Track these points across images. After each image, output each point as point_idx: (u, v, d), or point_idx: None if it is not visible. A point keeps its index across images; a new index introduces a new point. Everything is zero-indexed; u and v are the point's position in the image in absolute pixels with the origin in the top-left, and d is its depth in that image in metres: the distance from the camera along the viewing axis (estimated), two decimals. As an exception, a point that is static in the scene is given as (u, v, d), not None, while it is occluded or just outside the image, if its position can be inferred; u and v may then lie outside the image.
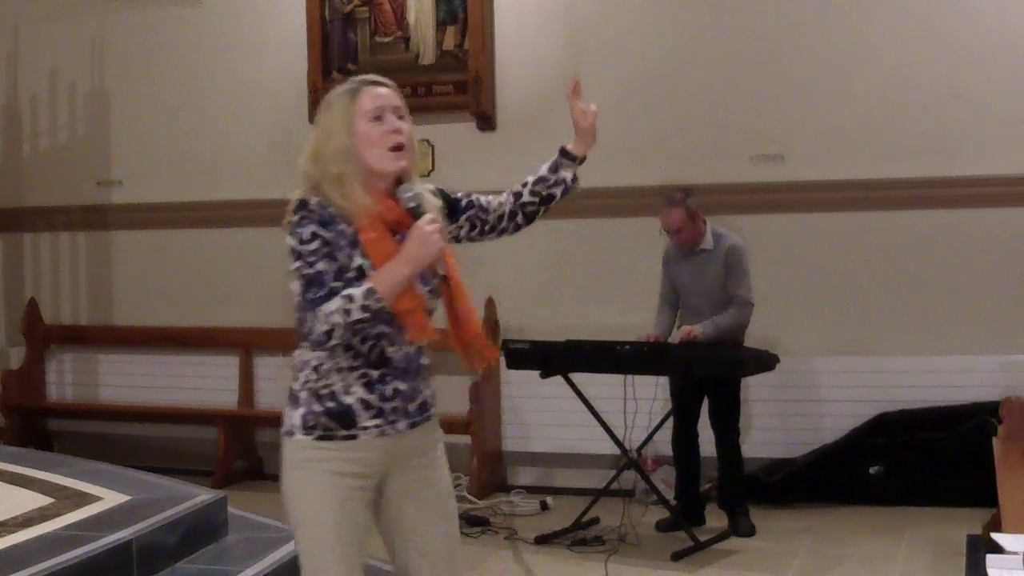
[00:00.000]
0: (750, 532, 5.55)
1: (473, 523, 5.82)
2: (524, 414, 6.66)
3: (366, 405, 2.63)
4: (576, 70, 2.86)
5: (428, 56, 6.81)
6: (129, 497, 4.33)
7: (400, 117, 2.69)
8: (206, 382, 7.25)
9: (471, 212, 2.84)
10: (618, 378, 5.47)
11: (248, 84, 7.18)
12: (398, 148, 2.65)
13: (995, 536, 2.89)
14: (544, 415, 6.52)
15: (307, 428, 2.63)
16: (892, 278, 6.20)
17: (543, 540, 5.52)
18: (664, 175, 6.25)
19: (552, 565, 5.23)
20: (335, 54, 6.89)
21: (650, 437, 5.72)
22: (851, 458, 6.05)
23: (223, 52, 7.27)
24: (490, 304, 6.61)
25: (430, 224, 2.58)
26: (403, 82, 7.40)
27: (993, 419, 5.01)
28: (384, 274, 2.55)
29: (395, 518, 2.74)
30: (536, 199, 2.86)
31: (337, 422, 2.62)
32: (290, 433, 2.65)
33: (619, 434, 5.53)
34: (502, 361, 6.16)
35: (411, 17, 6.83)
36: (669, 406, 5.72)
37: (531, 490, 6.45)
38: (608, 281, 6.52)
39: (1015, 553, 2.70)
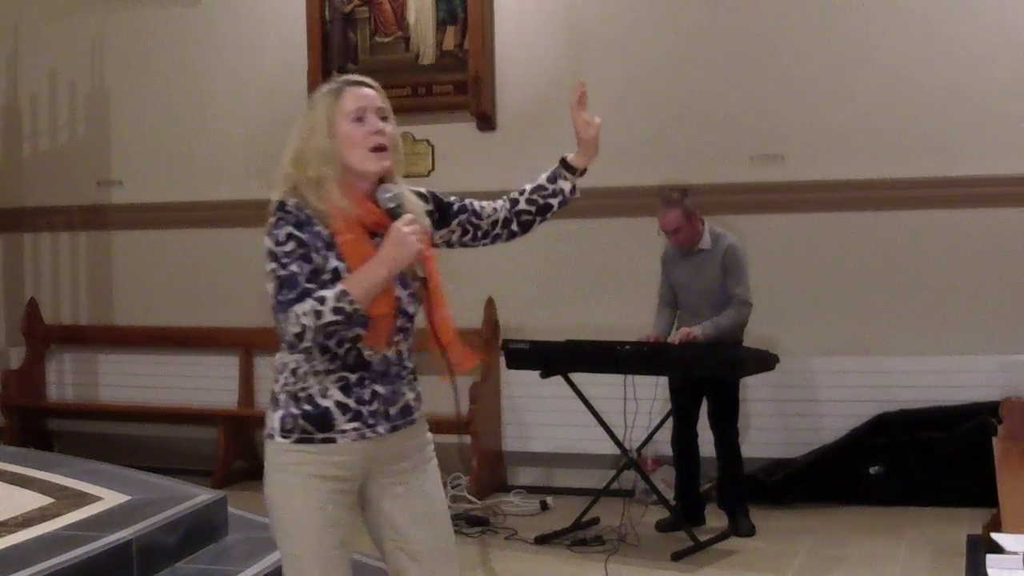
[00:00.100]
0: (750, 532, 5.55)
1: (473, 523, 5.82)
2: (524, 414, 6.66)
3: (343, 408, 2.60)
4: (576, 70, 2.84)
5: (428, 56, 6.81)
6: (129, 497, 4.34)
7: (384, 118, 2.66)
8: (206, 382, 7.25)
9: (463, 217, 2.81)
10: (618, 378, 5.47)
11: (248, 84, 7.18)
12: (380, 149, 2.62)
13: (995, 536, 2.88)
14: (544, 415, 6.52)
15: (285, 431, 2.61)
16: (892, 278, 6.20)
17: (543, 540, 5.52)
18: (664, 175, 6.25)
19: (552, 565, 5.23)
20: (335, 54, 6.90)
21: (650, 437, 5.72)
22: (851, 458, 6.05)
23: (223, 52, 7.27)
24: (490, 304, 6.61)
25: (408, 225, 2.55)
26: (403, 82, 7.50)
27: (993, 419, 5.01)
28: (359, 276, 2.53)
29: (380, 521, 2.72)
30: (533, 208, 2.84)
31: (314, 425, 2.60)
32: (270, 436, 2.64)
33: (619, 434, 5.53)
34: (502, 361, 6.17)
35: (411, 17, 6.83)
36: (669, 406, 5.72)
37: (531, 490, 6.45)
38: (608, 281, 6.52)
39: (1015, 553, 2.70)
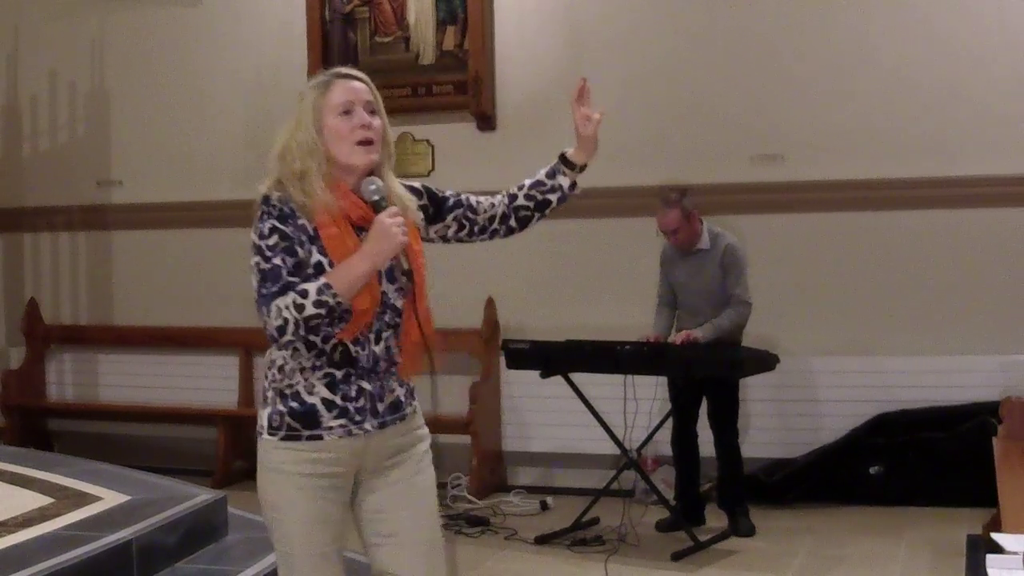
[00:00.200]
0: (750, 532, 5.55)
1: (473, 523, 5.83)
2: (524, 414, 6.66)
3: (329, 405, 2.59)
4: (576, 70, 2.82)
5: (428, 56, 6.81)
6: (129, 497, 4.33)
7: (372, 112, 2.64)
8: (206, 382, 7.25)
9: (459, 211, 2.79)
10: (618, 378, 5.47)
11: (248, 84, 7.18)
12: (366, 143, 2.60)
13: (995, 536, 2.88)
14: (544, 415, 6.52)
15: (272, 428, 2.61)
16: (892, 278, 6.20)
17: (543, 540, 5.52)
18: (664, 175, 6.25)
19: (552, 565, 5.23)
20: (335, 54, 6.89)
21: (650, 437, 5.72)
22: (851, 458, 6.05)
23: (223, 52, 7.27)
24: (490, 304, 6.61)
25: (392, 217, 2.53)
26: (403, 82, 7.50)
27: (993, 419, 5.01)
28: (342, 270, 2.51)
29: (364, 514, 2.69)
30: (531, 203, 2.81)
31: (300, 422, 2.59)
32: (260, 433, 2.64)
33: (619, 434, 5.53)
34: (502, 361, 6.18)
35: (411, 17, 6.83)
36: (669, 406, 5.72)
37: (531, 490, 6.45)
38: (608, 281, 6.52)
39: (1015, 553, 2.70)
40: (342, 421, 2.60)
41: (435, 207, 2.77)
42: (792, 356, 5.95)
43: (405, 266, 2.58)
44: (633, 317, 5.96)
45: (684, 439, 5.68)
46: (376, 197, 2.58)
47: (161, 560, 3.95)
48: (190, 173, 7.34)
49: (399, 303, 2.63)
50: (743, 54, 6.39)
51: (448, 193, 2.81)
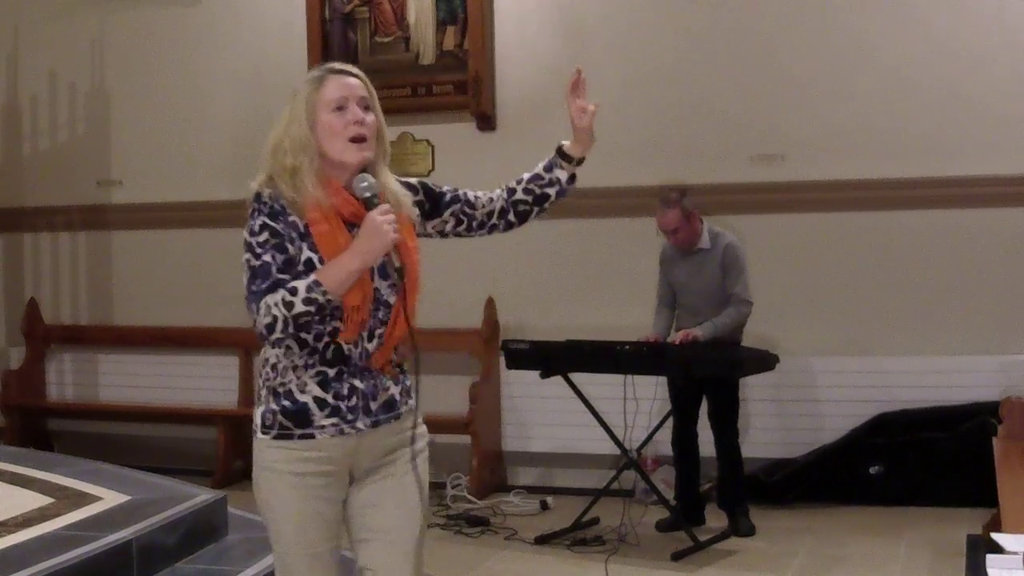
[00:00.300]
0: (750, 532, 5.55)
1: (473, 523, 5.83)
2: (524, 414, 6.66)
3: (321, 403, 2.57)
4: (577, 69, 2.81)
5: (428, 56, 6.81)
6: (129, 497, 4.34)
7: (366, 108, 2.61)
8: (206, 382, 7.25)
9: (456, 207, 2.77)
10: (618, 378, 5.47)
11: (248, 84, 7.18)
12: (359, 139, 2.58)
13: (995, 536, 2.89)
14: (544, 415, 6.52)
15: (265, 427, 2.60)
16: (892, 278, 6.20)
17: (543, 540, 5.52)
18: (664, 175, 6.25)
19: (552, 565, 5.23)
20: (335, 54, 6.87)
21: (650, 437, 5.72)
22: (851, 458, 6.05)
23: (223, 52, 7.27)
24: (490, 304, 6.61)
25: (383, 215, 2.51)
26: (403, 82, 7.50)
27: (993, 419, 5.01)
28: (332, 267, 2.49)
29: (356, 513, 2.67)
30: (529, 198, 2.79)
31: (292, 421, 2.57)
32: (254, 432, 2.63)
33: (619, 434, 5.53)
34: (502, 361, 6.18)
35: (411, 17, 6.83)
36: (669, 406, 5.72)
37: (531, 490, 6.45)
38: (608, 281, 6.52)
39: (1015, 553, 2.70)
40: (334, 420, 2.58)
41: (431, 203, 2.75)
42: (792, 356, 5.95)
43: (396, 263, 2.56)
44: (633, 317, 5.96)
45: (684, 439, 5.68)
46: (368, 194, 2.56)
47: (161, 560, 3.95)
48: (190, 173, 7.34)
49: (392, 299, 2.61)
50: (743, 54, 6.39)
51: (445, 188, 2.79)
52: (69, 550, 3.59)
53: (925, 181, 6.10)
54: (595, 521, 5.68)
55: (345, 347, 2.57)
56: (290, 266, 2.51)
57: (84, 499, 4.30)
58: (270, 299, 2.48)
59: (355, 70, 2.66)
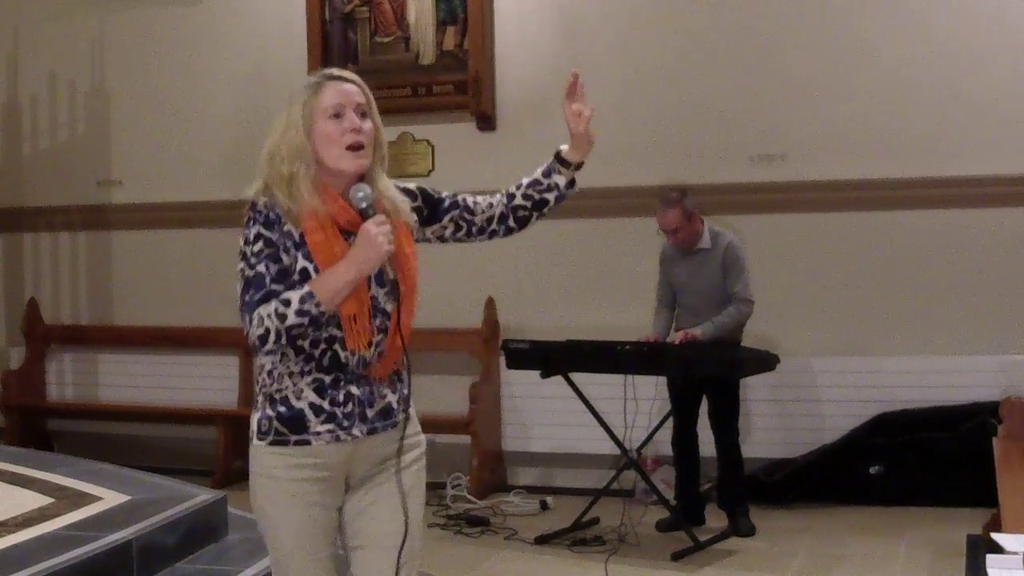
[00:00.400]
0: (750, 532, 5.55)
1: (473, 523, 5.83)
2: (524, 414, 6.66)
3: (317, 410, 2.55)
4: (576, 69, 2.80)
5: (428, 56, 6.81)
6: (129, 497, 4.34)
7: (363, 115, 2.58)
8: (206, 382, 7.25)
9: (455, 212, 2.74)
10: (618, 378, 5.47)
11: (248, 84, 7.17)
12: (356, 147, 2.55)
13: (995, 536, 2.88)
14: (544, 415, 6.52)
15: (261, 433, 2.58)
16: (891, 278, 6.20)
17: (543, 540, 5.52)
18: (664, 175, 6.25)
19: (552, 565, 5.23)
20: (335, 54, 6.89)
21: (650, 437, 5.72)
22: (851, 458, 6.05)
23: (223, 52, 7.27)
24: (490, 304, 6.61)
25: (378, 225, 2.49)
26: (403, 82, 7.51)
27: (993, 419, 5.01)
28: (326, 278, 2.47)
29: (350, 519, 2.65)
30: (528, 203, 2.77)
31: (288, 427, 2.55)
32: (250, 438, 2.62)
33: (619, 434, 5.53)
34: (502, 361, 6.18)
35: (411, 17, 6.83)
36: (669, 406, 5.72)
37: (531, 490, 6.45)
38: (608, 281, 6.52)
39: (1015, 553, 2.70)
40: (330, 426, 2.56)
41: (430, 209, 2.73)
42: (792, 356, 5.95)
43: (391, 276, 2.55)
44: (633, 317, 5.96)
45: (684, 439, 5.68)
46: (363, 205, 2.53)
47: (161, 560, 3.95)
48: (190, 173, 7.34)
49: (389, 307, 2.59)
50: (743, 54, 6.39)
51: (444, 194, 2.77)
52: (69, 550, 3.60)
53: (925, 181, 6.10)
54: (595, 521, 5.68)
55: (342, 354, 2.56)
56: (284, 276, 2.50)
57: (84, 499, 4.30)
58: (263, 310, 2.47)
59: (352, 76, 2.63)
